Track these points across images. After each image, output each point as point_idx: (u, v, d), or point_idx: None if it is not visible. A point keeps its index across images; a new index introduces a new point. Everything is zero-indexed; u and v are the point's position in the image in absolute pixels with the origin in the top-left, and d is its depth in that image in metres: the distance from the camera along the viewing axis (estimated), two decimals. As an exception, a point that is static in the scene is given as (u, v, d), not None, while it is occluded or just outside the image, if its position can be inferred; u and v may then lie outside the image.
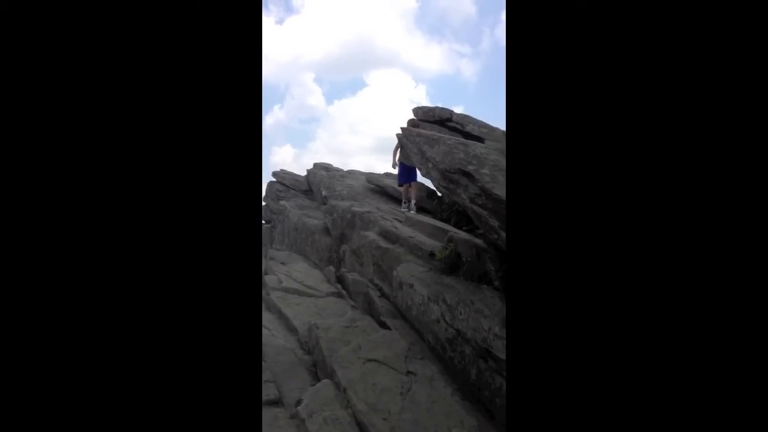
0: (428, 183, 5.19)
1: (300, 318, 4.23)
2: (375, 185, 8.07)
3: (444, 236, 4.22)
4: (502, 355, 2.64)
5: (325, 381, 3.00)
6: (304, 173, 9.94)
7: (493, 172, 3.07)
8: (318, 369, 3.37)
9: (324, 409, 2.66)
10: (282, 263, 6.30)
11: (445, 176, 3.29)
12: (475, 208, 3.05)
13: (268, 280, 5.38)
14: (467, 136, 6.73)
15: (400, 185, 6.51)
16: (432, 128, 6.98)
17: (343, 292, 4.93)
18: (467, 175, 3.07)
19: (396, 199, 7.01)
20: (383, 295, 4.37)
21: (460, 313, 3.10)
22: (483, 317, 2.90)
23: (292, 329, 4.12)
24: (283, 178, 10.45)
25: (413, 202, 6.25)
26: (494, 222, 2.92)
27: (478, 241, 3.74)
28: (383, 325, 3.73)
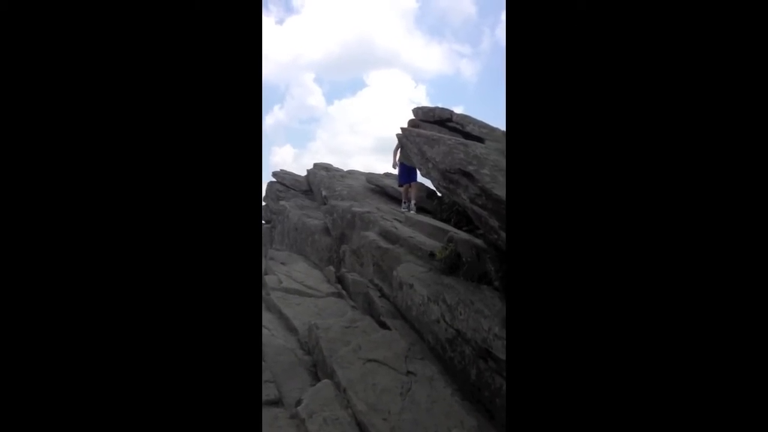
0: (428, 183, 5.20)
1: (300, 318, 4.24)
2: (375, 185, 8.07)
3: (444, 236, 4.22)
4: (502, 356, 2.63)
5: (325, 381, 3.00)
6: (304, 173, 9.95)
7: (493, 173, 3.07)
8: (318, 369, 3.37)
9: (324, 410, 2.66)
10: (282, 263, 6.30)
11: (445, 176, 3.29)
12: (475, 208, 3.05)
13: (268, 280, 5.39)
14: (467, 136, 6.73)
15: (401, 185, 6.52)
16: (432, 128, 6.97)
17: (343, 292, 4.94)
18: (467, 175, 3.07)
19: (396, 200, 7.01)
20: (383, 295, 4.38)
21: (460, 314, 3.10)
22: (483, 317, 2.90)
23: (292, 329, 4.13)
24: (283, 178, 10.46)
25: (413, 202, 6.26)
26: (494, 222, 2.92)
27: (478, 242, 3.74)
28: (383, 326, 3.73)
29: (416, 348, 3.35)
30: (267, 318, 4.34)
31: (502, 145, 4.21)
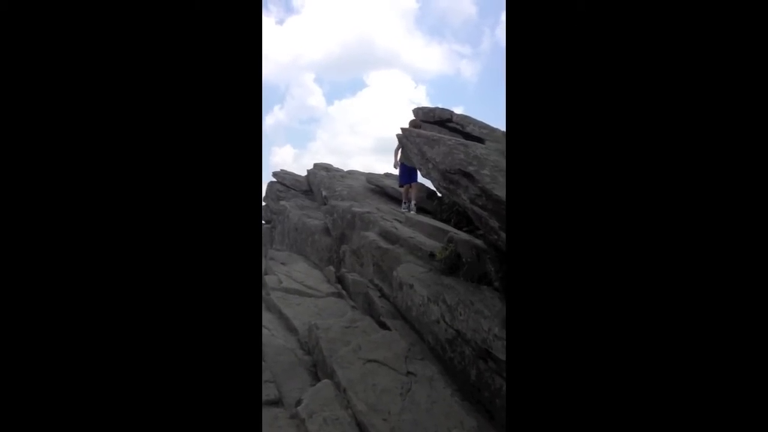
0: (428, 184, 5.20)
1: (300, 318, 4.23)
2: (375, 186, 8.07)
3: (444, 237, 4.22)
4: (502, 356, 2.63)
5: (325, 381, 3.00)
6: (304, 173, 9.95)
7: (493, 173, 3.07)
8: (318, 369, 3.37)
9: (324, 410, 2.66)
10: (282, 263, 6.30)
11: (445, 177, 3.29)
12: (476, 208, 3.04)
13: (268, 280, 5.39)
14: (467, 136, 6.73)
15: (401, 186, 6.51)
16: (432, 129, 6.98)
17: (343, 292, 4.93)
18: (467, 175, 3.07)
19: (396, 200, 7.01)
20: (383, 295, 4.37)
21: (460, 314, 3.10)
22: (483, 318, 2.90)
23: (292, 329, 4.13)
24: (283, 178, 10.46)
25: (413, 202, 6.25)
26: (494, 223, 2.92)
27: (478, 242, 3.74)
28: (383, 326, 3.73)
29: (416, 348, 3.34)
30: (267, 318, 4.34)
31: (503, 146, 4.21)
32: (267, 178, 10.96)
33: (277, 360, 3.44)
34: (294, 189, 10.00)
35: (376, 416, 2.60)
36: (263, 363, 3.29)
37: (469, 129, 7.31)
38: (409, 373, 3.03)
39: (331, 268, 5.67)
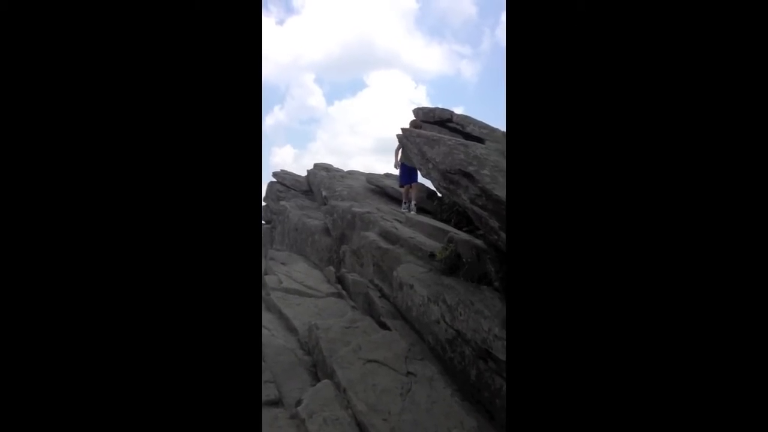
0: (429, 184, 5.20)
1: (300, 318, 4.23)
2: (375, 186, 8.07)
3: (444, 237, 4.22)
4: (502, 356, 2.63)
5: (325, 381, 3.00)
6: (304, 174, 9.95)
7: (493, 173, 3.07)
8: (318, 369, 3.37)
9: (324, 410, 2.66)
10: (282, 263, 6.30)
11: (445, 177, 3.29)
12: (476, 209, 3.05)
13: (269, 280, 5.39)
14: (467, 136, 6.73)
15: (401, 186, 6.52)
16: (432, 129, 6.98)
17: (343, 292, 4.93)
18: (467, 175, 3.07)
19: (396, 200, 7.01)
20: (383, 295, 4.37)
21: (460, 314, 3.10)
22: (483, 318, 2.90)
23: (292, 329, 4.13)
24: (283, 178, 10.46)
25: (413, 202, 6.25)
26: (494, 223, 2.92)
27: (478, 242, 3.74)
28: (383, 326, 3.73)
29: (416, 348, 3.34)
30: (267, 318, 4.34)
31: (503, 146, 4.21)
32: (267, 178, 10.98)
33: (277, 360, 3.44)
34: (294, 189, 10.00)
35: (376, 416, 2.60)
36: (263, 363, 3.29)
37: (469, 129, 7.32)
38: (409, 373, 3.02)
39: (331, 268, 5.67)
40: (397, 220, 5.65)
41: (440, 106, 8.15)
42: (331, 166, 9.82)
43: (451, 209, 5.78)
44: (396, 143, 6.21)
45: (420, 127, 6.10)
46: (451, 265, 3.70)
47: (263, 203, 9.96)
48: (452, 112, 7.91)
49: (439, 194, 6.05)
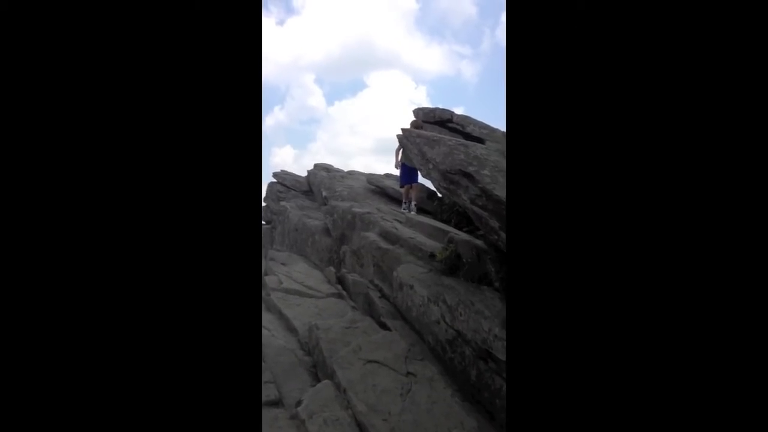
0: (429, 184, 5.20)
1: (300, 319, 4.23)
2: (375, 186, 8.07)
3: (444, 237, 4.22)
4: (502, 357, 2.63)
5: (326, 382, 3.00)
6: (304, 174, 9.96)
7: (493, 173, 3.07)
8: (318, 370, 3.37)
9: (324, 410, 2.65)
10: (282, 264, 6.30)
11: (445, 177, 3.29)
12: (476, 209, 3.04)
13: (269, 280, 5.38)
14: (468, 137, 6.73)
15: (402, 186, 6.52)
16: (432, 129, 6.98)
17: (344, 292, 4.93)
18: (468, 176, 3.07)
19: (396, 200, 7.01)
20: (383, 296, 4.37)
21: (461, 314, 3.10)
22: (483, 318, 2.89)
23: (292, 330, 4.12)
24: (283, 178, 10.46)
25: (413, 203, 6.25)
26: (494, 223, 2.92)
27: (479, 242, 3.74)
28: (383, 326, 3.72)
29: (416, 349, 3.34)
30: (267, 318, 4.34)
31: (503, 146, 4.21)
32: (267, 178, 10.98)
33: (278, 360, 3.44)
34: (294, 189, 10.01)
35: (376, 417, 2.60)
36: (263, 363, 3.29)
37: (469, 129, 7.31)
38: (409, 373, 3.02)
39: (332, 268, 5.67)
40: (398, 221, 5.65)
41: (440, 106, 8.15)
42: (332, 166, 9.82)
43: (452, 209, 5.78)
44: (396, 144, 6.21)
45: (421, 128, 6.10)
46: (452, 266, 3.70)
47: (263, 204, 9.97)
48: (452, 112, 7.91)
49: (440, 194, 6.05)
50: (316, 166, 9.77)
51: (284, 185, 10.24)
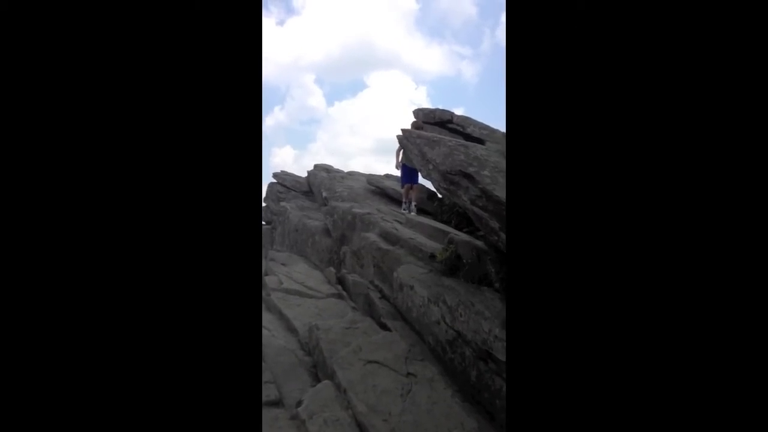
0: (429, 185, 5.19)
1: (300, 319, 4.23)
2: (375, 187, 8.08)
3: (444, 238, 4.22)
4: (503, 357, 2.63)
5: (326, 382, 3.00)
6: (304, 174, 9.96)
7: (493, 174, 3.08)
8: (318, 370, 3.37)
9: (324, 410, 2.66)
10: (282, 264, 6.30)
11: (445, 178, 3.29)
12: (476, 209, 3.04)
13: (269, 281, 5.39)
14: (468, 137, 6.73)
15: (403, 187, 6.52)
16: (433, 130, 6.98)
17: (344, 293, 4.93)
18: (468, 176, 3.07)
19: (396, 201, 7.01)
20: (383, 296, 4.37)
21: (461, 315, 3.10)
22: (483, 319, 2.89)
23: (292, 330, 4.12)
24: (283, 179, 10.47)
25: (413, 203, 6.25)
26: (495, 224, 2.92)
27: (479, 243, 3.74)
28: (383, 327, 3.72)
29: (416, 349, 3.34)
30: (267, 319, 4.34)
31: (503, 147, 4.21)
32: (267, 179, 11.00)
33: (278, 361, 3.44)
34: (294, 190, 10.01)
35: (377, 417, 2.60)
36: (263, 364, 3.29)
37: (469, 130, 7.31)
38: (409, 374, 3.02)
39: (332, 269, 5.67)
40: (398, 221, 5.65)
41: (440, 107, 8.17)
42: (332, 166, 9.83)
43: (452, 210, 5.78)
44: (396, 144, 6.21)
45: (421, 128, 6.11)
46: (452, 266, 3.70)
47: (263, 204, 9.97)
48: (452, 113, 7.91)
49: (440, 195, 6.05)
50: (316, 166, 9.77)
51: (284, 186, 10.25)
